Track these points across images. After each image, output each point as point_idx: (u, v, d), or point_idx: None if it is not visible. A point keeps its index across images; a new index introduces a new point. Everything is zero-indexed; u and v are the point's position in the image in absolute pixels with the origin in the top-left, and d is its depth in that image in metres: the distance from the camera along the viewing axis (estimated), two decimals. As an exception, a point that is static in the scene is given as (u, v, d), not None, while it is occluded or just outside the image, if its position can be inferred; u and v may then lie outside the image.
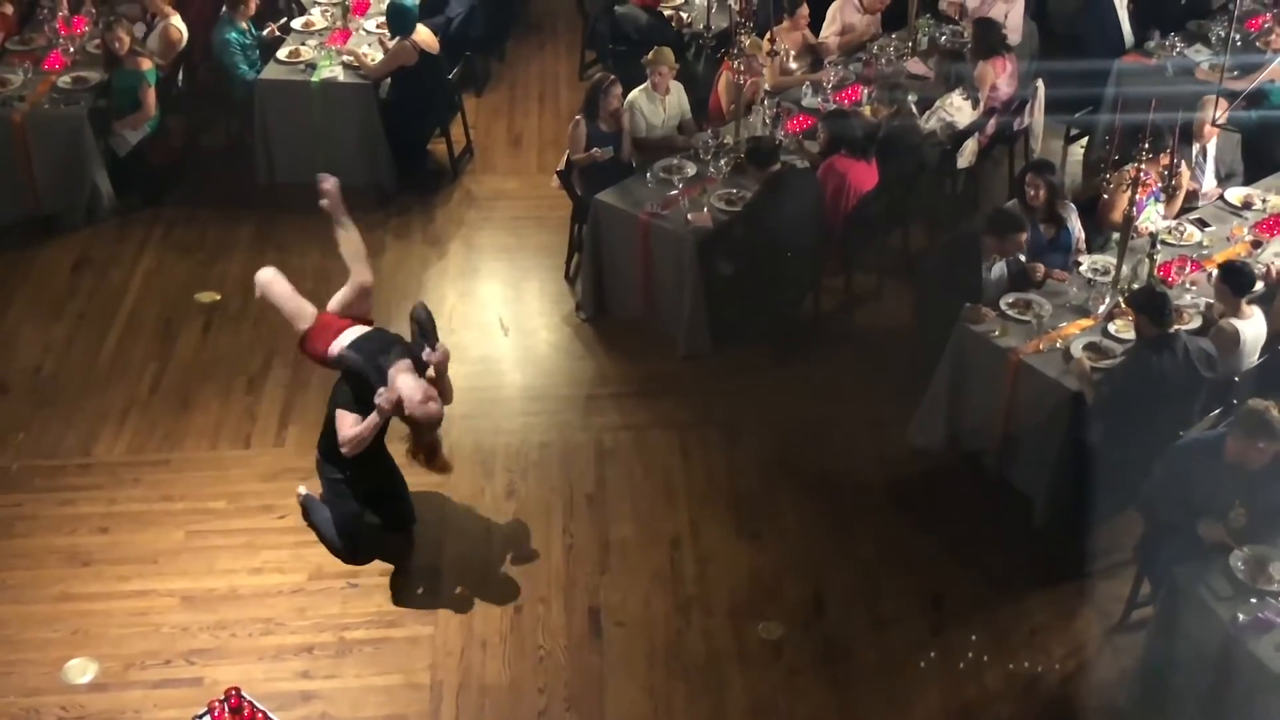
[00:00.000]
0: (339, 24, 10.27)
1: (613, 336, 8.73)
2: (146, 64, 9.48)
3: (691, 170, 8.74)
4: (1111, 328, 7.35)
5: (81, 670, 6.50)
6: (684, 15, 10.74)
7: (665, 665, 6.60)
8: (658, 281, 8.59)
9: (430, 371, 6.64)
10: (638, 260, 8.57)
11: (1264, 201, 8.47)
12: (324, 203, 6.91)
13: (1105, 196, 8.13)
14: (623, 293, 8.79)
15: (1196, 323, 7.33)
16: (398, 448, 6.89)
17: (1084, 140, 10.23)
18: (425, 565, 7.07)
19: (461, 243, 9.58)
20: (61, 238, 9.52)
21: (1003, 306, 7.50)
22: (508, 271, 9.31)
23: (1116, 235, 7.84)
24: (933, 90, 9.37)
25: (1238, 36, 9.66)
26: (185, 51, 10.16)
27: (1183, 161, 8.17)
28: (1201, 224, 8.27)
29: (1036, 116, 9.72)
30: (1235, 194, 8.54)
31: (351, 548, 6.94)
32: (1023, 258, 7.76)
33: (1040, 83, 9.71)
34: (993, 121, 9.38)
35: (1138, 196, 7.55)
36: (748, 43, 9.03)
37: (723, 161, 8.77)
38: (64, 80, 9.65)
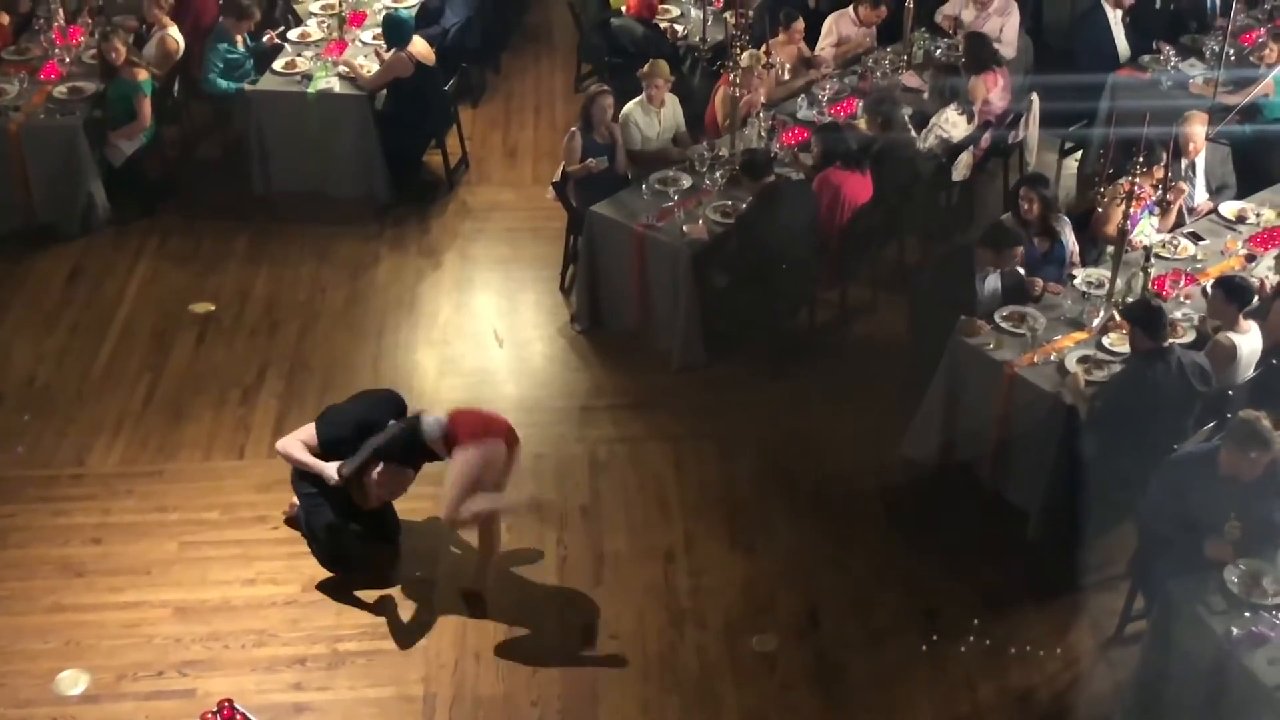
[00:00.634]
0: (335, 35, 10.28)
1: (607, 349, 8.73)
2: (142, 74, 9.48)
3: (687, 182, 8.75)
4: (1106, 341, 7.35)
5: (73, 682, 6.48)
6: (679, 28, 10.77)
7: (659, 678, 6.59)
8: (653, 294, 8.59)
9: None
10: (633, 272, 8.58)
11: (1258, 215, 8.48)
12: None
13: (1099, 210, 8.16)
14: (618, 305, 8.79)
15: (1191, 336, 7.34)
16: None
17: (1078, 154, 10.26)
18: (418, 577, 7.05)
19: (457, 254, 9.58)
20: (56, 248, 9.52)
21: (997, 319, 7.50)
22: (503, 283, 9.31)
23: (1111, 249, 7.86)
24: (927, 104, 9.39)
25: (1232, 51, 9.71)
26: (181, 62, 10.17)
27: (1176, 177, 8.20)
28: (1195, 238, 8.28)
29: (1031, 130, 9.75)
30: (1229, 208, 8.56)
31: (334, 557, 6.95)
32: (1021, 270, 7.76)
33: (1035, 96, 9.75)
34: (987, 135, 9.39)
35: (1132, 210, 7.57)
36: (745, 57, 9.05)
37: (718, 174, 8.78)
38: (60, 90, 9.66)
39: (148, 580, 7.01)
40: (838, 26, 10.31)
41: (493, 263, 9.50)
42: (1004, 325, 7.47)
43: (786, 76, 9.86)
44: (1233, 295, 7.03)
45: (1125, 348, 7.11)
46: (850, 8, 10.31)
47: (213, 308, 9.01)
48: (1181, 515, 6.21)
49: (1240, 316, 7.07)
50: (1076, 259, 8.06)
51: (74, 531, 7.28)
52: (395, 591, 7.00)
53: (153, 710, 6.36)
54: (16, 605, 6.86)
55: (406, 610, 6.90)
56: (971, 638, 6.75)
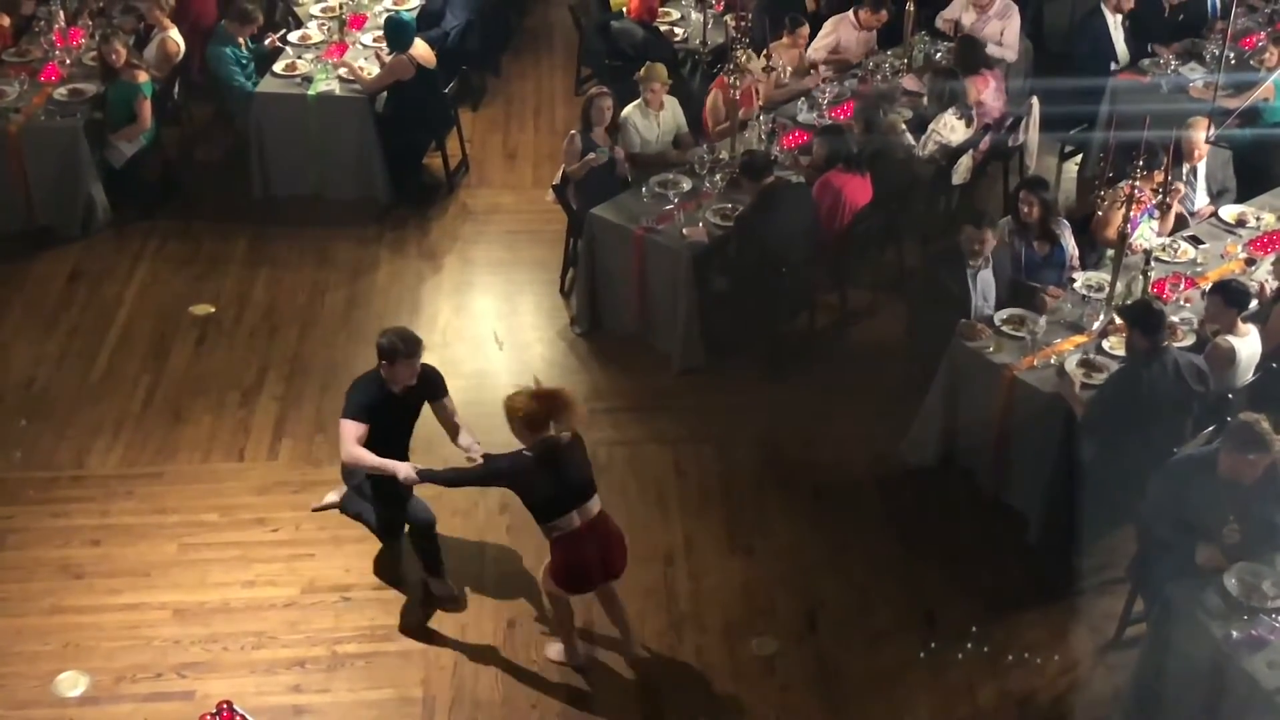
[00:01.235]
0: (335, 37, 10.29)
1: (607, 351, 8.73)
2: (143, 76, 9.49)
3: (687, 185, 8.75)
4: (1105, 344, 7.35)
5: (72, 683, 6.47)
6: (679, 31, 10.77)
7: (658, 681, 6.58)
8: (653, 296, 8.59)
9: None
10: (633, 275, 8.58)
11: (1258, 219, 8.49)
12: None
13: (1099, 213, 8.16)
14: (617, 307, 8.79)
15: (1190, 339, 7.34)
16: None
17: (1078, 157, 10.26)
18: (418, 580, 7.04)
19: (457, 257, 9.58)
20: (56, 250, 9.52)
21: (997, 323, 7.51)
22: (503, 286, 9.32)
23: (1111, 252, 7.86)
24: (925, 108, 9.39)
25: (1232, 54, 9.71)
26: (182, 64, 10.18)
27: (1177, 180, 8.20)
28: (1195, 241, 8.29)
29: (1031, 133, 9.75)
30: (1229, 211, 8.56)
31: (389, 525, 6.91)
32: (1023, 270, 7.76)
33: (1035, 100, 9.75)
34: (987, 138, 9.40)
35: (1132, 214, 7.57)
36: (743, 58, 9.05)
37: (718, 176, 8.78)
38: (60, 92, 9.66)
39: (147, 582, 7.01)
40: (837, 30, 10.32)
41: (493, 265, 9.50)
42: (1004, 328, 7.47)
43: (786, 79, 9.86)
44: (1231, 299, 7.03)
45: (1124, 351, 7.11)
46: (851, 11, 10.32)
47: (212, 310, 9.01)
48: (1181, 518, 6.21)
49: (1239, 320, 7.08)
50: (1076, 262, 8.06)
51: (73, 533, 7.28)
52: (395, 593, 7.00)
53: (152, 712, 6.35)
54: (15, 607, 6.86)
55: (406, 612, 6.90)
56: (971, 641, 6.75)
